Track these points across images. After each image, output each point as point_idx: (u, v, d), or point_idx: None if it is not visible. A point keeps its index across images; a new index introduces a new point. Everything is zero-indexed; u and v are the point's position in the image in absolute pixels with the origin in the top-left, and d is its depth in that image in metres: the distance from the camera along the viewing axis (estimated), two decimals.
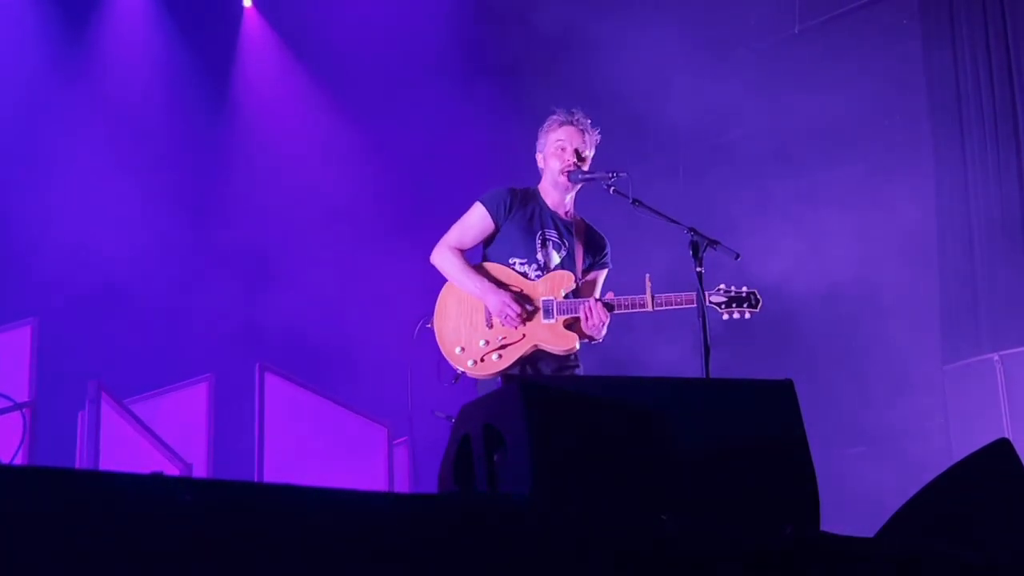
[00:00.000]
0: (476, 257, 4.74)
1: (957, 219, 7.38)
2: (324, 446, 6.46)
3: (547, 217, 4.72)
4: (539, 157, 4.82)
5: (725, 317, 4.48)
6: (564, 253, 4.69)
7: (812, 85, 7.80)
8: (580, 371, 4.63)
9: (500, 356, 4.48)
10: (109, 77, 8.64)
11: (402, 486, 6.90)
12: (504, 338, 4.49)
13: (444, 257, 4.63)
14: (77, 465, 5.66)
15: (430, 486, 3.64)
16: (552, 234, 4.69)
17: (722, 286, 4.49)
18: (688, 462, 2.92)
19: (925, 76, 7.70)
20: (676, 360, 7.23)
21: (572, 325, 4.54)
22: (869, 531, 3.08)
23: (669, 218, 4.48)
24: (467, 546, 2.09)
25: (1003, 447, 3.17)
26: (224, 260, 8.58)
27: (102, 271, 7.89)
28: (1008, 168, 7.21)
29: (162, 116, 8.82)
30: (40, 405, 5.69)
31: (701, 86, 8.44)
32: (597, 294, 4.72)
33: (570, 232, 4.74)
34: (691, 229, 4.36)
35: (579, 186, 4.74)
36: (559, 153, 4.72)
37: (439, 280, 4.68)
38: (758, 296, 4.52)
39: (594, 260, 4.79)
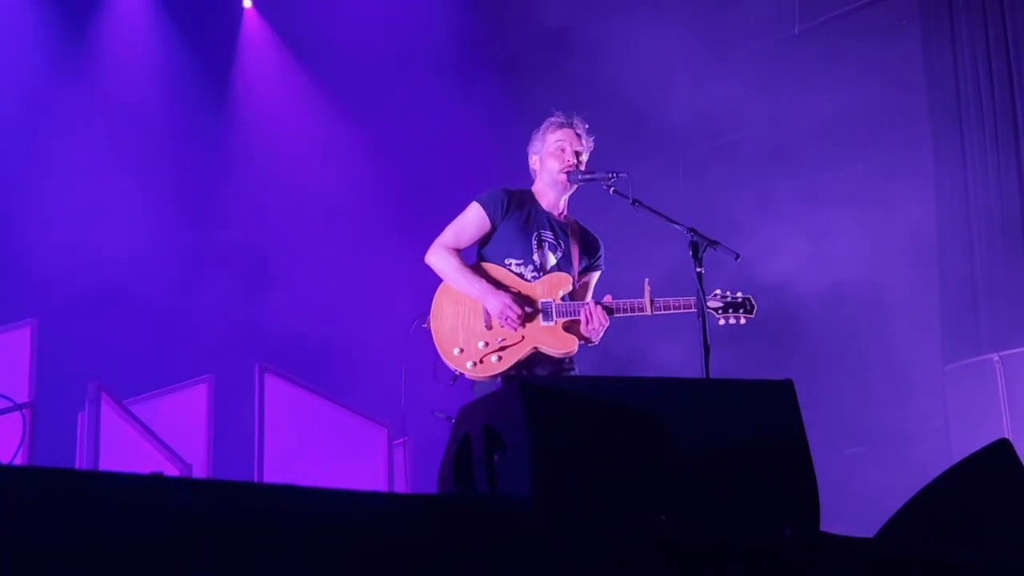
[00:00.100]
0: (470, 258, 4.72)
1: (957, 219, 7.39)
2: (324, 446, 6.45)
3: (543, 218, 4.71)
4: (535, 159, 4.80)
5: (721, 323, 4.49)
6: (560, 254, 4.68)
7: (812, 85, 7.80)
8: (575, 373, 4.62)
9: (500, 358, 4.47)
10: (109, 77, 8.63)
11: (402, 486, 6.89)
12: (503, 340, 4.48)
13: (440, 257, 4.60)
14: (77, 466, 5.66)
15: (430, 486, 3.64)
16: (548, 235, 4.68)
17: (718, 291, 4.49)
18: (688, 462, 2.92)
19: (925, 76, 7.71)
20: (677, 360, 7.23)
21: (570, 327, 4.54)
22: (869, 531, 3.08)
23: (669, 218, 4.48)
24: (467, 546, 2.09)
25: (1003, 447, 3.18)
26: (224, 260, 8.58)
27: (102, 271, 7.89)
28: (1008, 168, 7.21)
29: (162, 116, 8.82)
30: (40, 405, 5.68)
31: (701, 86, 8.44)
32: (590, 296, 4.72)
33: (565, 233, 4.74)
34: (691, 229, 4.36)
35: (575, 187, 4.74)
36: (559, 154, 4.71)
37: (439, 280, 4.66)
38: (753, 302, 4.54)
39: (589, 262, 4.79)
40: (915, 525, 3.01)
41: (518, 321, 4.45)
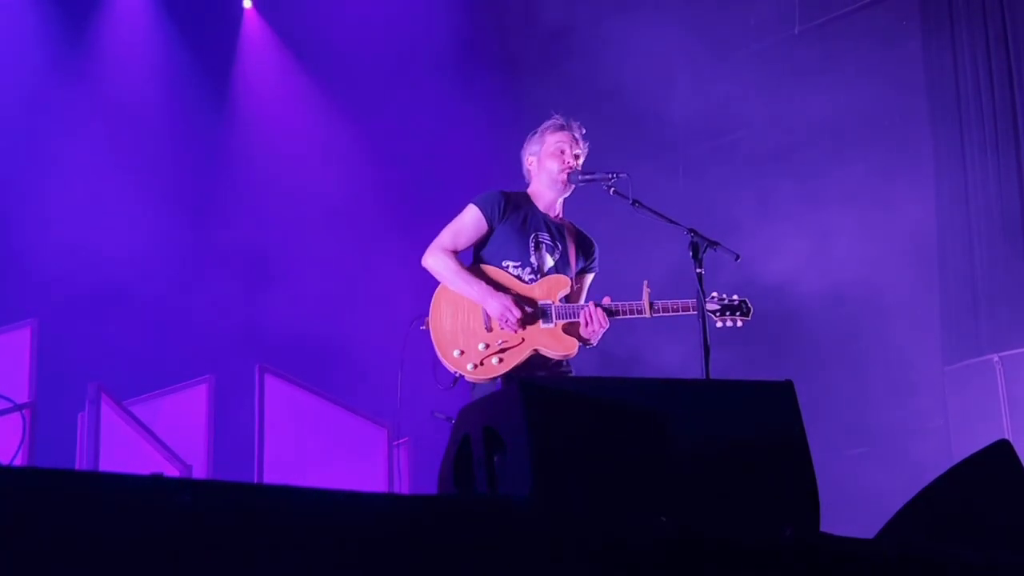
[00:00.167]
0: (466, 261, 4.71)
1: (957, 219, 7.39)
2: (324, 447, 6.46)
3: (539, 220, 4.70)
4: (532, 159, 4.78)
5: (719, 325, 4.50)
6: (557, 256, 4.67)
7: (812, 86, 7.80)
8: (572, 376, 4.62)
9: (501, 360, 4.45)
10: (109, 77, 8.63)
11: (402, 487, 6.89)
12: (504, 342, 4.46)
13: (438, 260, 4.57)
14: (77, 466, 5.66)
15: (430, 487, 3.64)
16: (545, 237, 4.67)
17: (715, 294, 4.50)
18: (688, 463, 2.92)
19: (925, 77, 7.71)
20: (678, 361, 7.23)
21: (570, 330, 4.54)
22: (869, 532, 3.08)
23: (669, 219, 4.48)
24: (467, 547, 2.09)
25: (1003, 448, 3.18)
26: (224, 261, 8.58)
27: (102, 271, 7.88)
28: (1008, 169, 7.22)
29: (162, 116, 8.82)
30: (40, 406, 5.68)
31: (701, 86, 8.45)
32: (583, 298, 4.71)
33: (562, 235, 4.73)
34: (691, 230, 4.36)
35: (573, 189, 4.74)
36: (559, 155, 4.71)
37: (438, 280, 4.64)
38: (749, 305, 4.55)
39: (585, 264, 4.79)
40: (915, 525, 3.01)
41: (518, 323, 4.44)
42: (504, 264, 4.60)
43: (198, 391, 6.62)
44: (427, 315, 4.54)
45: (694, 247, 4.32)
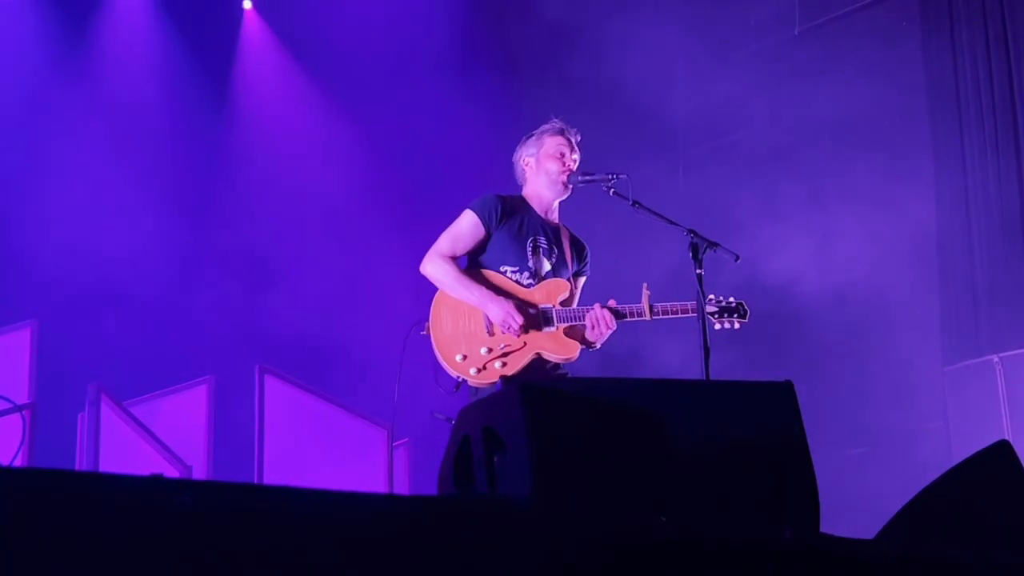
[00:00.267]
0: (463, 265, 4.70)
1: (957, 220, 7.39)
2: (324, 448, 6.45)
3: (536, 224, 4.69)
4: (529, 160, 4.77)
5: (717, 327, 4.50)
6: (554, 260, 4.67)
7: (812, 86, 7.81)
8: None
9: (504, 364, 4.45)
10: (109, 77, 8.63)
11: (402, 488, 6.89)
12: (506, 345, 4.45)
13: (437, 267, 4.55)
14: (77, 467, 5.66)
15: (430, 488, 3.64)
16: (542, 241, 4.66)
17: (712, 296, 4.50)
18: (688, 463, 2.92)
19: (925, 78, 7.71)
20: (678, 362, 7.23)
21: (571, 333, 4.53)
22: (869, 532, 3.08)
23: (669, 220, 4.48)
24: (467, 548, 2.09)
25: (1003, 449, 3.18)
26: (224, 261, 8.58)
27: (102, 272, 7.88)
28: (1008, 169, 7.22)
29: (162, 116, 8.81)
30: (40, 407, 5.68)
31: (701, 87, 8.45)
32: (576, 302, 4.71)
33: (557, 238, 4.73)
34: (691, 231, 4.36)
35: (571, 190, 4.73)
36: (558, 157, 4.71)
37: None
38: (746, 307, 4.56)
39: (578, 267, 4.79)
40: (915, 526, 3.01)
41: (520, 329, 4.44)
42: (502, 269, 4.59)
43: (198, 392, 6.63)
44: (427, 320, 4.53)
45: (694, 248, 4.32)
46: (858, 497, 6.35)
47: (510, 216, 4.63)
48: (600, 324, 4.46)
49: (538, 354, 4.47)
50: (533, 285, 4.58)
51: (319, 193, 8.97)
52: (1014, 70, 7.29)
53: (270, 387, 6.31)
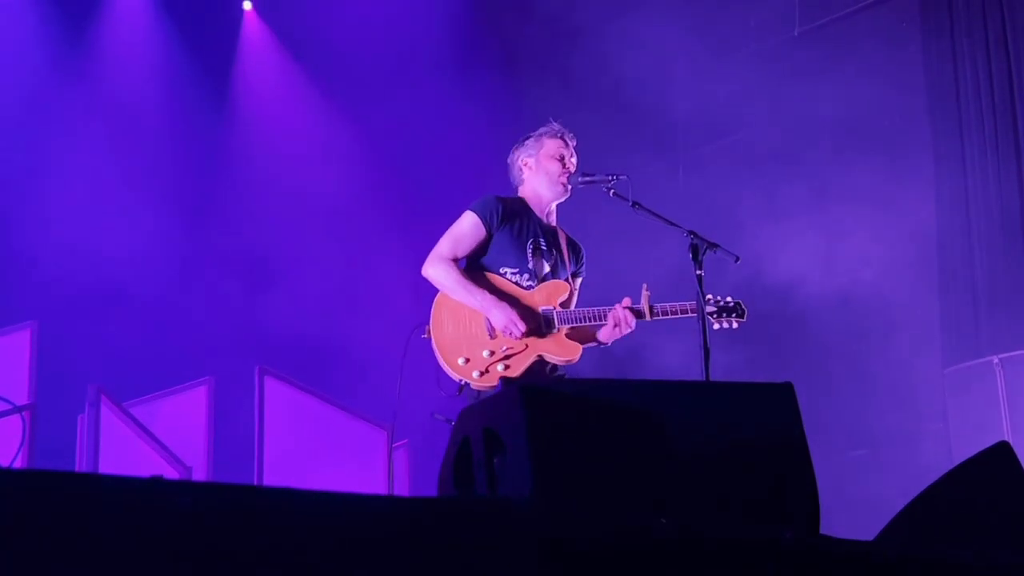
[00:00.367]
0: (463, 267, 4.69)
1: (957, 221, 7.39)
2: (324, 449, 6.46)
3: (535, 226, 4.69)
4: (528, 161, 4.76)
5: (715, 327, 4.50)
6: (553, 261, 4.67)
7: (812, 87, 7.81)
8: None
9: (506, 366, 4.44)
10: (109, 77, 8.63)
11: (402, 489, 6.89)
12: (508, 348, 4.44)
13: (439, 270, 4.53)
14: (77, 468, 5.66)
15: (430, 489, 3.64)
16: (542, 242, 4.66)
17: (710, 296, 4.50)
18: (688, 465, 2.91)
19: (925, 79, 7.71)
20: (678, 363, 7.23)
21: (572, 335, 4.54)
22: (869, 534, 3.08)
23: (668, 221, 4.48)
24: (467, 549, 2.09)
25: (1003, 450, 3.18)
26: (224, 262, 8.58)
27: (102, 273, 7.88)
28: (1008, 171, 7.22)
29: (162, 117, 8.82)
30: (40, 408, 5.68)
31: (701, 87, 8.45)
32: (574, 303, 4.71)
33: (555, 239, 4.73)
34: (691, 232, 4.36)
35: (568, 194, 4.73)
36: (559, 159, 4.71)
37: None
38: (743, 306, 4.56)
39: (575, 268, 4.79)
40: (915, 528, 3.01)
41: (523, 334, 4.43)
42: (502, 270, 4.59)
43: (198, 393, 6.63)
44: (427, 323, 4.52)
45: (694, 249, 4.33)
46: (858, 499, 6.35)
47: (510, 217, 4.63)
48: (623, 324, 4.48)
49: (540, 356, 4.47)
50: (533, 287, 4.58)
51: (319, 193, 8.97)
52: (1014, 71, 7.29)
53: (270, 388, 6.31)
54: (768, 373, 3.37)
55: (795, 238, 7.49)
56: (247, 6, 9.36)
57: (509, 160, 4.85)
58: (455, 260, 4.58)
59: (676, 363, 7.24)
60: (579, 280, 4.81)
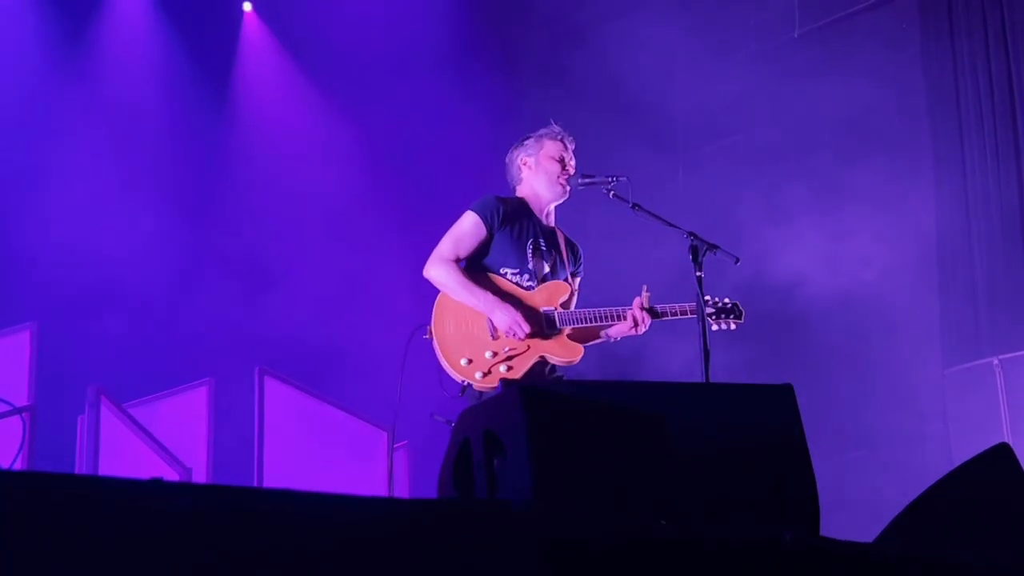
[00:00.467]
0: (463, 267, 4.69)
1: (957, 223, 7.39)
2: (324, 450, 6.45)
3: (534, 226, 4.68)
4: (528, 161, 4.76)
5: (714, 328, 4.50)
6: (552, 262, 4.68)
7: (812, 88, 7.80)
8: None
9: (509, 368, 4.44)
10: (109, 78, 8.63)
11: (402, 491, 6.89)
12: (511, 349, 4.44)
13: (441, 271, 4.52)
14: (77, 470, 5.66)
15: (430, 491, 3.63)
16: (542, 243, 4.65)
17: (708, 297, 4.50)
18: (688, 466, 2.92)
19: (924, 81, 7.71)
20: (678, 363, 7.23)
21: (573, 335, 4.54)
22: (869, 535, 3.08)
23: (668, 222, 4.48)
24: (467, 551, 2.09)
25: (1003, 451, 3.18)
26: (224, 263, 8.57)
27: (102, 274, 7.87)
28: (1008, 172, 7.22)
29: (162, 117, 8.81)
30: (40, 409, 5.68)
31: (702, 88, 8.45)
32: (575, 303, 4.71)
33: (555, 240, 4.74)
34: (691, 233, 4.36)
35: (568, 195, 4.73)
36: (559, 160, 4.71)
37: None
38: (741, 308, 4.57)
39: (574, 268, 4.79)
40: (915, 529, 3.01)
41: (526, 336, 4.43)
42: (503, 271, 4.58)
43: (198, 394, 6.62)
44: (429, 323, 4.51)
45: (694, 250, 4.33)
46: (858, 500, 6.35)
47: (510, 218, 4.62)
48: (642, 324, 4.48)
49: (542, 357, 4.47)
50: (533, 287, 4.57)
51: (319, 193, 8.96)
52: (1014, 73, 7.29)
53: (270, 389, 6.31)
54: (769, 374, 3.37)
55: (795, 239, 7.49)
56: (247, 7, 9.36)
57: (507, 159, 4.85)
58: (457, 261, 4.57)
59: (677, 365, 7.24)
60: (578, 280, 4.81)
